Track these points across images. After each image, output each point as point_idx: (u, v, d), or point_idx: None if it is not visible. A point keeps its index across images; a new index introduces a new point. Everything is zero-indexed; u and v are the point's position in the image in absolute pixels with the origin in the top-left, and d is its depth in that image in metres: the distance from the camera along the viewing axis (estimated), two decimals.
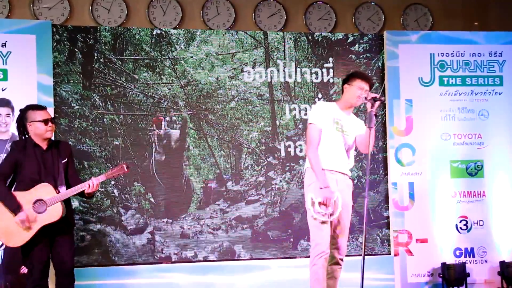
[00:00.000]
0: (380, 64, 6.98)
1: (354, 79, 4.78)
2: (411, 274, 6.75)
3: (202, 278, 6.48)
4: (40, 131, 4.77)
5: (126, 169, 4.74)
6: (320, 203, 4.65)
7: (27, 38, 6.23)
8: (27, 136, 4.83)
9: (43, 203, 4.67)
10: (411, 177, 6.84)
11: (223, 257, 6.64)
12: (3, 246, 5.73)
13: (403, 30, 7.21)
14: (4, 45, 6.22)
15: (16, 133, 5.63)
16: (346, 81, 4.88)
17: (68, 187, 4.81)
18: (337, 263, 4.83)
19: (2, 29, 6.26)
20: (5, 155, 5.05)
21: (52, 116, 4.93)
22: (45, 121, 4.77)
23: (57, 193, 4.70)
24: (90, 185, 4.70)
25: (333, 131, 4.74)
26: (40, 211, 4.67)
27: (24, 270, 5.45)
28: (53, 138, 5.00)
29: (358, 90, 4.71)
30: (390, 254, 6.80)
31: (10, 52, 6.24)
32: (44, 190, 4.70)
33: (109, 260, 6.47)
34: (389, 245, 6.83)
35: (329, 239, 4.69)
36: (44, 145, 4.80)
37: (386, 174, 6.90)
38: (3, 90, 6.20)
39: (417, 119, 6.85)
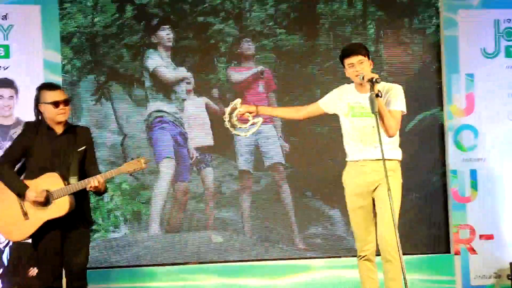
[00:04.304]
0: (435, 33, 6.64)
1: (342, 60, 4.60)
2: (474, 276, 6.51)
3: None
4: (51, 114, 4.48)
5: (143, 165, 4.44)
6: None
7: (31, 9, 5.93)
8: (41, 118, 4.58)
9: (50, 195, 4.40)
10: (473, 164, 6.58)
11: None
12: (10, 243, 5.59)
13: None
14: (5, 17, 5.94)
15: (21, 118, 5.81)
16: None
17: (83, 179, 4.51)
18: (386, 260, 4.46)
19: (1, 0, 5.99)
20: (15, 138, 4.75)
21: (67, 97, 4.58)
22: (55, 103, 4.46)
23: (65, 185, 4.40)
24: (93, 181, 4.37)
25: (349, 117, 4.62)
26: (46, 204, 4.42)
27: (33, 272, 5.46)
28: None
29: (349, 69, 4.57)
30: (450, 252, 6.53)
31: (12, 25, 5.95)
32: (51, 180, 4.41)
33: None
34: (448, 242, 6.53)
35: (366, 235, 4.56)
36: (59, 130, 4.53)
37: (443, 160, 6.60)
38: (5, 69, 5.94)
39: (479, 96, 6.60)
